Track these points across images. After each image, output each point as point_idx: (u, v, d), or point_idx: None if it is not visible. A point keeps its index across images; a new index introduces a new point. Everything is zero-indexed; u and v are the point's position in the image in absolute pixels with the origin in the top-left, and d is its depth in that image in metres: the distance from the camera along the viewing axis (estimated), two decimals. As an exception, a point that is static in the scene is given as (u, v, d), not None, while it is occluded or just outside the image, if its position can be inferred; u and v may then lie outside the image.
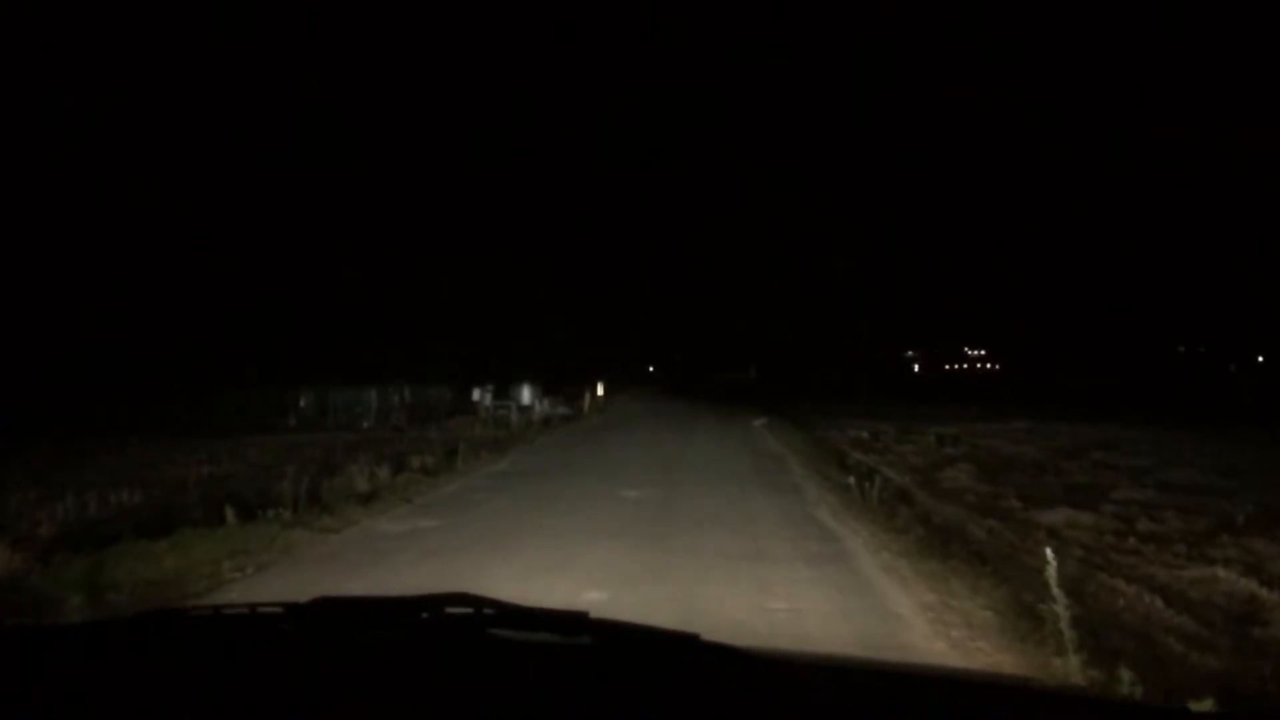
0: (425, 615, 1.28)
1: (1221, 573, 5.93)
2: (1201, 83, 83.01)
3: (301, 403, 21.96)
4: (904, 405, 27.92)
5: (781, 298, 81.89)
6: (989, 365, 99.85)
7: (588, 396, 25.70)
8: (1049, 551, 3.40)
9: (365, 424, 20.63)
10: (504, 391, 22.48)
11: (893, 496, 8.21)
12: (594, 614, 1.20)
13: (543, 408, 21.91)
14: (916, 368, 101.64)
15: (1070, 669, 3.29)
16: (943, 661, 3.53)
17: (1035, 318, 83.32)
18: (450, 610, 1.28)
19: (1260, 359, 78.05)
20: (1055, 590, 3.25)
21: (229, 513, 6.34)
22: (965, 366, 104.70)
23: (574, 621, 1.21)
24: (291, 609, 1.30)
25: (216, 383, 20.83)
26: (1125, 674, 3.01)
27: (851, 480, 8.26)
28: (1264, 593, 5.25)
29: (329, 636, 1.29)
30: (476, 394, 22.19)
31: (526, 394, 22.23)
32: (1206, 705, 2.72)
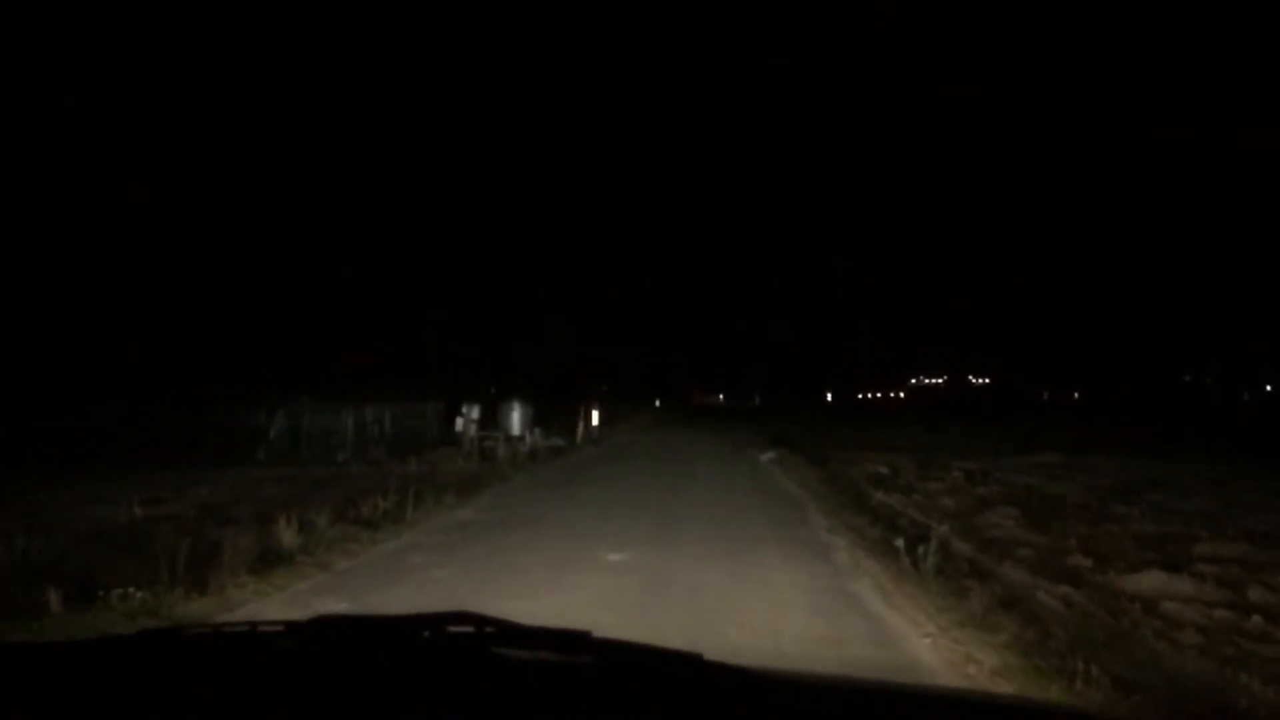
0: (426, 634, 1.26)
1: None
2: (1201, 83, 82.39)
3: (272, 434, 20.30)
4: (918, 433, 26.49)
5: (782, 299, 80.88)
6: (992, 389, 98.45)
7: (581, 426, 24.05)
8: None
9: (341, 456, 18.91)
10: (492, 413, 20.74)
11: (949, 560, 6.42)
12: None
13: (533, 437, 20.26)
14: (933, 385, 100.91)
15: None
16: None
17: (1040, 338, 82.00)
18: (451, 629, 1.26)
19: (1269, 388, 76.90)
20: None
21: (53, 597, 4.59)
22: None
23: (576, 640, 1.20)
24: (291, 627, 1.28)
25: (203, 396, 19.41)
26: None
27: (900, 543, 6.43)
28: None
29: (329, 655, 1.25)
30: (459, 423, 20.48)
31: (516, 422, 20.54)
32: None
